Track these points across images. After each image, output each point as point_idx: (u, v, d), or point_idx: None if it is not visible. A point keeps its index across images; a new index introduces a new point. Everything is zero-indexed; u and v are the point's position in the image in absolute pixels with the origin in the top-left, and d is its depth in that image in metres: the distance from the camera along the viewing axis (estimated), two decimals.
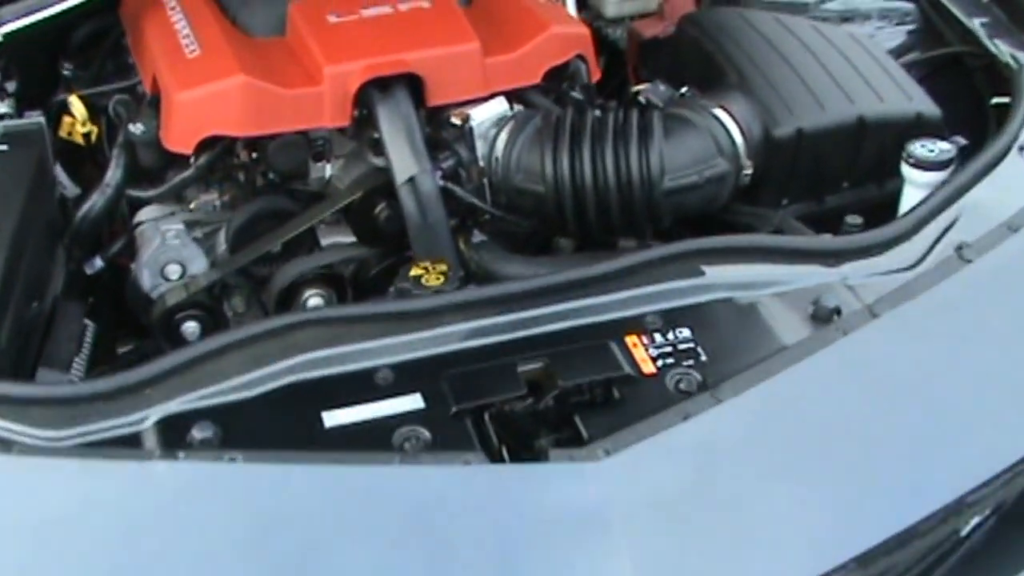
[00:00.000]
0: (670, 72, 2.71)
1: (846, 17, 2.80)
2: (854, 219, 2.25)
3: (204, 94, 2.31)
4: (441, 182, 2.34)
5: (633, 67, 2.91)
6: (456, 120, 2.38)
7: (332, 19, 2.44)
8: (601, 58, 2.87)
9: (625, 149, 2.30)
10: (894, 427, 1.78)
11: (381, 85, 2.33)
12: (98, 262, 2.48)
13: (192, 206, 2.47)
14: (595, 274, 2.03)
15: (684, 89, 2.52)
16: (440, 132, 2.39)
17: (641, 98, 2.54)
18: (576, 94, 2.54)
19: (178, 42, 2.45)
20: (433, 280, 2.09)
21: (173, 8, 2.59)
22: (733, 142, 2.34)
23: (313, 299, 2.40)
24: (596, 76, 2.57)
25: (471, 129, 2.38)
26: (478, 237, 2.43)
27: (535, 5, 2.57)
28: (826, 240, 2.16)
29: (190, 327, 2.33)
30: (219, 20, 2.53)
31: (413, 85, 2.35)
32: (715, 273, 2.05)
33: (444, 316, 1.98)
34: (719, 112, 2.36)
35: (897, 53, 2.71)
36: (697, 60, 2.59)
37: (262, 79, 2.31)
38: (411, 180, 2.28)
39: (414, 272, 2.10)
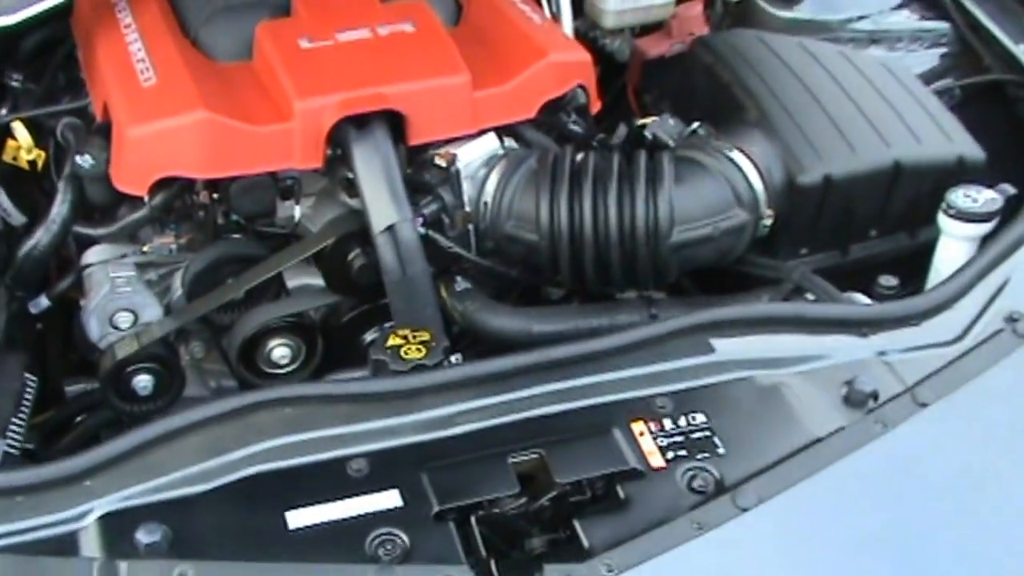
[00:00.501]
0: (678, 100, 2.47)
1: (875, 39, 2.55)
2: (888, 280, 2.01)
3: (159, 130, 2.06)
4: (422, 230, 2.09)
5: (634, 87, 2.66)
6: (441, 161, 2.13)
7: (304, 44, 2.18)
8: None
9: (631, 196, 2.05)
10: (946, 544, 1.55)
11: (357, 122, 2.07)
12: (44, 301, 2.26)
13: (146, 248, 2.22)
14: (596, 349, 1.79)
15: (696, 125, 2.28)
16: (423, 174, 2.14)
17: (647, 133, 2.29)
18: (575, 126, 2.28)
19: (132, 66, 2.20)
20: (413, 352, 1.84)
21: (128, 26, 2.33)
22: (752, 189, 2.10)
23: (279, 349, 2.16)
24: (596, 107, 2.32)
25: (457, 172, 2.14)
26: (461, 284, 2.18)
27: (529, 26, 2.31)
28: (858, 307, 1.92)
29: (142, 381, 2.09)
30: (178, 41, 2.27)
31: (393, 121, 2.09)
32: (732, 348, 1.81)
33: (426, 397, 1.75)
34: (736, 155, 2.12)
35: (929, 78, 2.46)
36: (711, 90, 2.34)
37: (225, 114, 2.05)
38: (389, 229, 2.03)
39: (392, 342, 1.86)
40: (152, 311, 2.13)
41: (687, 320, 1.79)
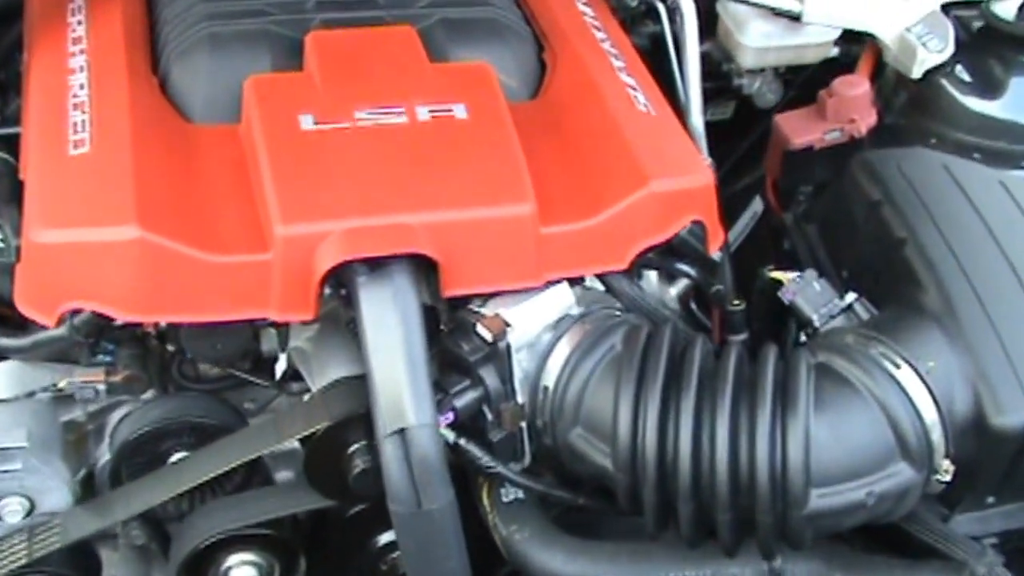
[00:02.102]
0: (826, 228, 1.80)
1: None
2: None
3: (75, 243, 1.40)
4: (450, 434, 1.43)
5: (774, 181, 1.96)
6: (485, 332, 1.45)
7: (307, 124, 1.50)
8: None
9: (750, 425, 1.39)
10: None
11: (370, 262, 1.40)
12: None
13: (62, 384, 1.57)
14: None
15: (852, 299, 1.59)
16: (459, 342, 1.46)
17: (785, 297, 1.60)
18: (686, 268, 1.60)
19: (64, 111, 1.55)
20: None
21: (77, 40, 1.67)
22: (924, 433, 1.43)
23: (240, 570, 1.53)
24: (717, 244, 1.63)
25: (508, 348, 1.46)
26: (510, 493, 1.54)
27: (631, 118, 1.63)
28: None
29: None
30: (137, 78, 1.60)
31: (423, 262, 1.42)
32: None
33: None
34: (905, 374, 1.44)
35: None
36: (875, 241, 1.66)
37: (171, 232, 1.40)
38: (402, 432, 1.36)
39: None
40: (55, 498, 1.49)
41: None
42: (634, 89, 1.69)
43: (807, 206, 1.87)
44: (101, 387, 1.57)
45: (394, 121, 1.51)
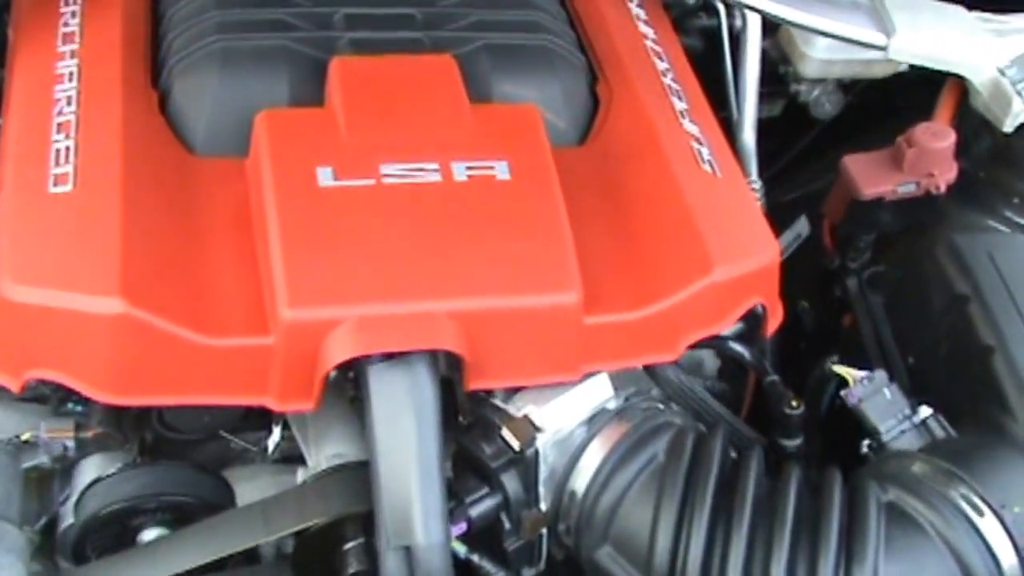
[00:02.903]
0: (895, 308, 1.60)
1: None
2: None
3: (50, 308, 1.21)
4: (462, 549, 1.26)
5: (832, 225, 1.76)
6: (512, 440, 1.28)
7: (325, 179, 1.30)
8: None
9: (809, 569, 1.21)
10: None
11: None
12: None
13: (26, 436, 1.39)
14: None
15: (926, 413, 1.41)
16: (479, 447, 1.29)
17: (848, 399, 1.42)
18: (741, 351, 1.42)
19: (47, 135, 1.35)
20: None
21: (67, 37, 1.48)
22: None
23: None
24: (777, 321, 1.44)
25: (536, 455, 1.28)
26: None
27: (693, 179, 1.43)
28: None
29: None
30: (134, 94, 1.41)
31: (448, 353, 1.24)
32: None
33: None
34: (989, 526, 1.27)
35: None
36: (955, 339, 1.48)
37: (157, 306, 1.22)
38: (407, 549, 1.20)
39: None
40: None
41: None
42: (698, 141, 1.49)
43: (870, 275, 1.67)
44: (70, 443, 1.39)
45: (426, 180, 1.32)
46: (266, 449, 1.41)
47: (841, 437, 1.45)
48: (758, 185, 1.80)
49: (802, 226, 1.97)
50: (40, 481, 1.45)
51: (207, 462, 1.43)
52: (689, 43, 1.89)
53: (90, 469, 1.42)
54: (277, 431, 1.38)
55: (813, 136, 2.18)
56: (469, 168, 1.33)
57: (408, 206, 1.29)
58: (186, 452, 1.43)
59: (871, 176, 1.72)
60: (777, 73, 1.99)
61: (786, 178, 2.15)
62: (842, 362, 1.49)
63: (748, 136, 1.87)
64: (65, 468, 1.43)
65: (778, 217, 1.81)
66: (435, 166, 1.33)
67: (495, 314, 1.25)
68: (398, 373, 1.22)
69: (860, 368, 1.45)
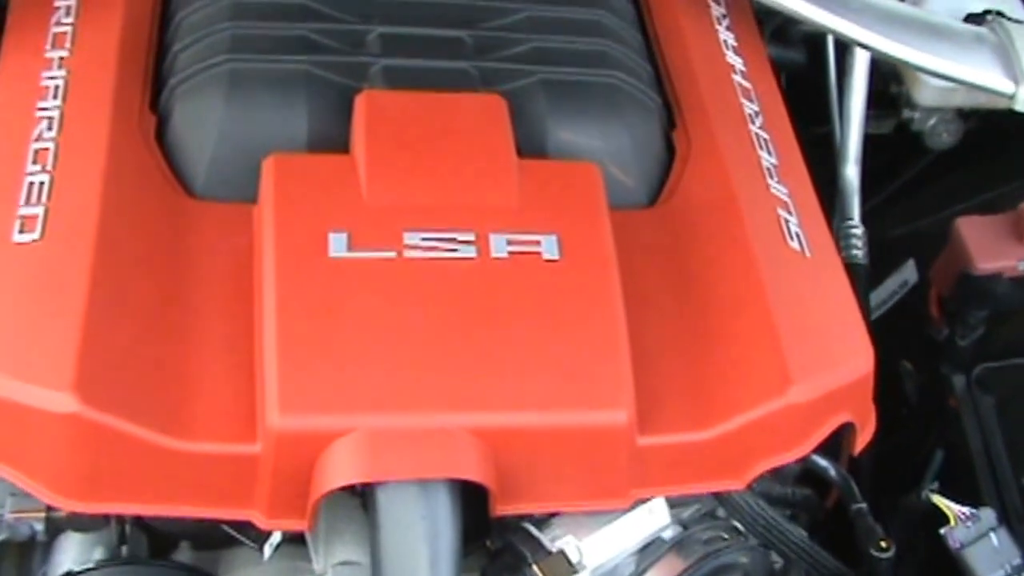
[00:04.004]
0: (1009, 413, 1.38)
1: None
2: None
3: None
4: None
5: (939, 295, 1.52)
6: None
7: (338, 248, 1.08)
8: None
9: None
10: None
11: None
12: None
13: None
14: None
15: None
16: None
17: (949, 538, 1.19)
18: (829, 468, 1.19)
19: (21, 164, 1.15)
20: None
21: (59, 38, 1.26)
22: None
23: None
24: (867, 437, 1.21)
25: None
26: None
27: (779, 273, 1.18)
28: None
29: None
30: (126, 120, 1.20)
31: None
32: None
33: None
34: None
35: None
36: None
37: (124, 403, 1.00)
38: None
39: None
40: None
41: None
42: (787, 208, 1.25)
43: (984, 369, 1.44)
44: (39, 526, 1.20)
45: (457, 255, 1.09)
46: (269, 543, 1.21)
47: None
48: (860, 231, 1.56)
49: (909, 272, 1.75)
50: (21, 550, 1.26)
51: (199, 547, 1.23)
52: (790, 56, 1.66)
53: (69, 549, 1.23)
54: (269, 549, 1.17)
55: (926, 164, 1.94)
56: (511, 243, 1.11)
57: (433, 289, 1.07)
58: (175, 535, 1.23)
59: (989, 248, 1.48)
60: (889, 94, 1.75)
61: (890, 207, 1.92)
62: (943, 480, 1.26)
63: (851, 171, 1.64)
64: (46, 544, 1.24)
65: (882, 257, 1.58)
66: (470, 237, 1.10)
67: (530, 433, 1.04)
68: (412, 498, 1.01)
69: (963, 498, 1.23)
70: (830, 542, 1.22)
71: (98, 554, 1.20)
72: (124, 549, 1.20)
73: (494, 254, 1.10)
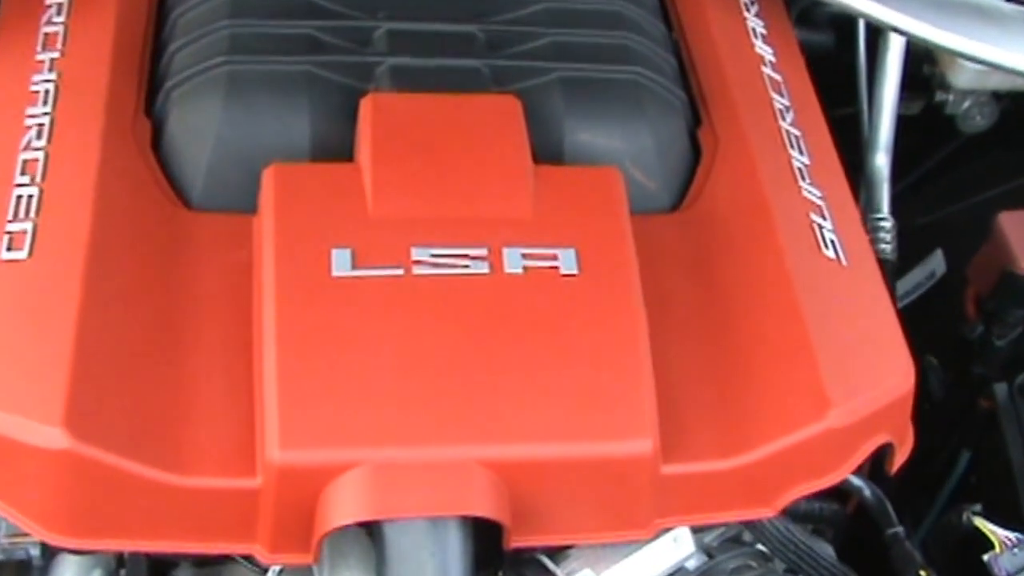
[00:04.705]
0: None
1: None
2: None
3: None
4: None
5: (977, 293, 1.45)
6: None
7: (341, 266, 1.02)
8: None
9: None
10: None
11: None
12: None
13: None
14: None
15: None
16: None
17: (990, 564, 1.12)
18: (862, 486, 1.12)
19: (9, 176, 1.09)
20: None
21: (51, 38, 1.21)
22: None
23: None
24: (905, 455, 1.14)
25: None
26: None
27: (814, 284, 1.11)
28: None
29: None
30: (120, 126, 1.14)
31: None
32: None
33: None
34: None
35: None
36: None
37: (117, 438, 0.95)
38: None
39: None
40: None
41: None
42: (820, 213, 1.18)
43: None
44: (34, 550, 1.15)
45: (469, 271, 1.03)
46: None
47: None
48: (889, 224, 1.49)
49: (937, 262, 1.68)
50: (19, 569, 1.22)
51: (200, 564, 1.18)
52: (818, 40, 1.58)
53: (66, 571, 1.18)
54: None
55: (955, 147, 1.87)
56: (526, 257, 1.04)
57: (442, 309, 1.01)
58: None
59: None
60: (921, 74, 1.68)
61: (917, 192, 1.85)
62: (970, 485, 1.19)
63: (880, 160, 1.56)
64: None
65: (907, 245, 1.51)
66: (483, 252, 1.04)
67: (547, 465, 0.98)
68: (421, 535, 0.95)
69: (998, 512, 1.16)
70: (854, 558, 1.16)
71: (97, 575, 1.16)
72: (123, 573, 1.16)
73: (508, 270, 1.03)
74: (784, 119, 1.27)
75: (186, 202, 1.12)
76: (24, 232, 1.05)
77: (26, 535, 1.10)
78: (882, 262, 1.43)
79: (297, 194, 1.06)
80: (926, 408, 1.50)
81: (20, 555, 1.16)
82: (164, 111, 1.16)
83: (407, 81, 1.16)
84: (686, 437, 1.01)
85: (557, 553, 1.04)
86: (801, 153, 1.23)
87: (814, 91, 1.35)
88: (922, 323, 1.44)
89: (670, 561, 1.05)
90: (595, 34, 1.24)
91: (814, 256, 1.14)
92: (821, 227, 1.17)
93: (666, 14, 1.36)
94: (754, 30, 1.37)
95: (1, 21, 1.27)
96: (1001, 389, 1.38)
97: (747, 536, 1.12)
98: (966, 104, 1.72)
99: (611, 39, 1.25)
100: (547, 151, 1.15)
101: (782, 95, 1.29)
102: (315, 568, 1.11)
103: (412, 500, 0.94)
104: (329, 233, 1.03)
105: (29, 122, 1.14)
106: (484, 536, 0.98)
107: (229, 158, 1.12)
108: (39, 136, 1.13)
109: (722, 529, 1.12)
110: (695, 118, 1.26)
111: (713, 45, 1.32)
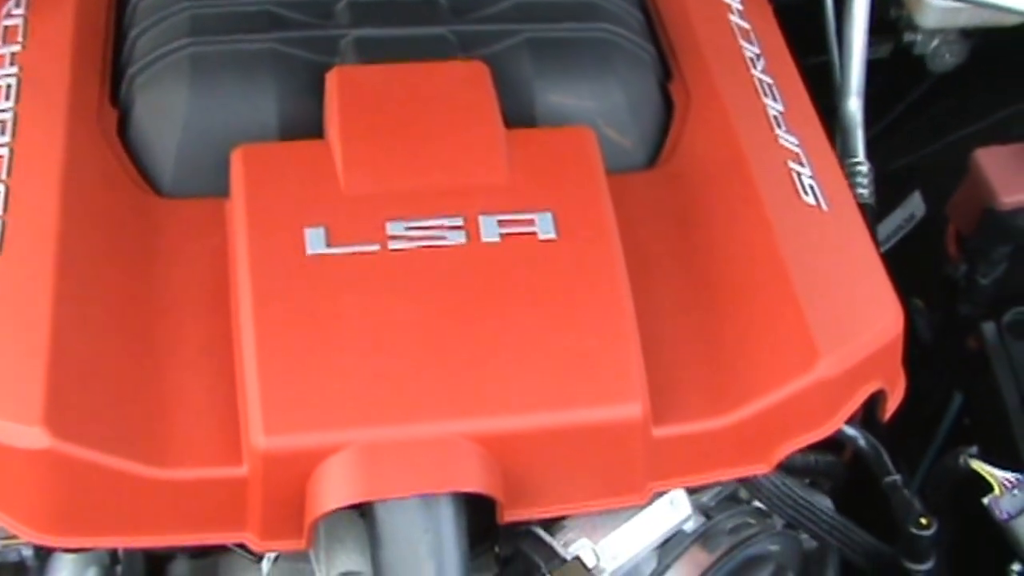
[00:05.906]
0: None
1: None
2: None
3: None
4: None
5: (958, 232, 1.44)
6: None
7: (316, 245, 1.00)
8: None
9: None
10: None
11: None
12: None
13: None
14: None
15: None
16: None
17: (991, 507, 1.11)
18: (856, 436, 1.11)
19: None
20: None
21: (9, 36, 1.19)
22: None
23: None
24: (897, 401, 1.13)
25: None
26: None
27: (795, 229, 1.10)
28: None
29: None
30: (85, 117, 1.12)
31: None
32: None
33: None
34: None
35: None
36: None
37: (99, 434, 0.93)
38: None
39: None
40: None
41: None
42: (798, 160, 1.17)
43: (1017, 313, 1.35)
44: (27, 551, 1.14)
45: (446, 242, 1.01)
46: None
47: (976, 547, 1.15)
48: (865, 168, 1.47)
49: (916, 204, 1.67)
50: (15, 569, 1.21)
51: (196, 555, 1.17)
52: None
53: (62, 570, 1.17)
54: (265, 567, 1.10)
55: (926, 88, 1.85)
56: (502, 223, 1.03)
57: (421, 283, 0.99)
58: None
59: (1011, 180, 1.39)
60: (888, 17, 1.66)
61: (890, 135, 1.83)
62: (964, 427, 1.18)
63: (853, 105, 1.54)
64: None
65: (884, 189, 1.50)
66: (458, 222, 1.02)
67: (537, 436, 0.96)
68: (413, 513, 0.93)
69: (995, 452, 1.15)
70: (852, 508, 1.15)
71: (92, 574, 1.15)
72: (119, 569, 1.15)
73: (485, 238, 1.02)
74: (755, 67, 1.25)
75: (157, 189, 1.11)
76: None
77: (16, 537, 1.10)
78: (862, 206, 1.42)
79: (267, 174, 1.04)
80: (915, 352, 1.49)
81: (13, 557, 1.15)
82: (129, 98, 1.14)
83: (372, 52, 1.14)
84: (676, 398, 1.00)
85: (552, 524, 1.03)
86: (775, 100, 1.22)
87: (783, 38, 1.33)
88: (905, 266, 1.43)
89: (668, 525, 1.04)
90: None
91: (794, 204, 1.12)
92: (800, 174, 1.15)
93: None
94: None
95: None
96: (989, 328, 1.37)
97: (744, 494, 1.11)
98: (934, 43, 1.72)
99: None
100: (518, 115, 1.13)
101: (751, 43, 1.28)
102: (311, 553, 1.10)
103: (402, 479, 0.92)
104: (302, 212, 1.02)
105: None
106: (478, 511, 0.97)
107: (197, 142, 1.10)
108: (2, 132, 1.11)
109: (718, 488, 1.11)
110: (665, 72, 1.24)
111: None
